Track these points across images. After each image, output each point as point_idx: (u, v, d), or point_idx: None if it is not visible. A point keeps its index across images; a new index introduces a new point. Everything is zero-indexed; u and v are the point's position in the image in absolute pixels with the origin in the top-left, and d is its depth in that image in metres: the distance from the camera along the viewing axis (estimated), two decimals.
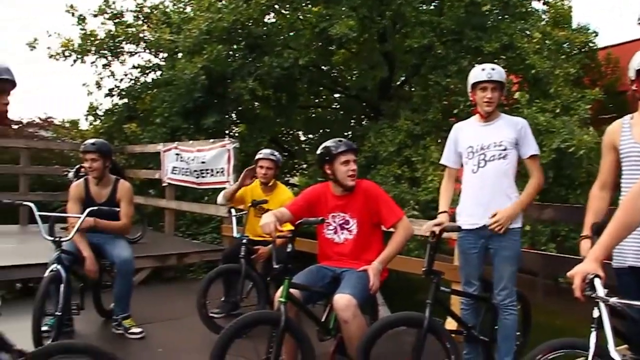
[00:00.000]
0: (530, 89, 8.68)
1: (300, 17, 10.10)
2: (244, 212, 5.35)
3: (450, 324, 4.32)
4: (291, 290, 3.35)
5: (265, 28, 10.03)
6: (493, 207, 3.67)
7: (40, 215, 4.42)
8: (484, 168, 3.72)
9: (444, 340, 3.36)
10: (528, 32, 8.97)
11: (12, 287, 7.26)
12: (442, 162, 4.12)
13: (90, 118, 11.84)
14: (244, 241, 4.97)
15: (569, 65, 9.04)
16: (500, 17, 9.31)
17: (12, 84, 2.43)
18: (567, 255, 4.75)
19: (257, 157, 5.31)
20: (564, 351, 2.64)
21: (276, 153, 5.35)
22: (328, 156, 3.64)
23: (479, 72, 3.68)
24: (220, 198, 5.43)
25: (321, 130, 12.36)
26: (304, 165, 12.15)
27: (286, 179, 12.26)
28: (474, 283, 3.83)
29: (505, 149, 3.67)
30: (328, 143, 3.70)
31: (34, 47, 11.18)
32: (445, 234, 3.69)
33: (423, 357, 3.29)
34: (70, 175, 7.49)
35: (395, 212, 3.65)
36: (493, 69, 3.66)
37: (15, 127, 13.13)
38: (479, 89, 3.69)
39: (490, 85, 3.65)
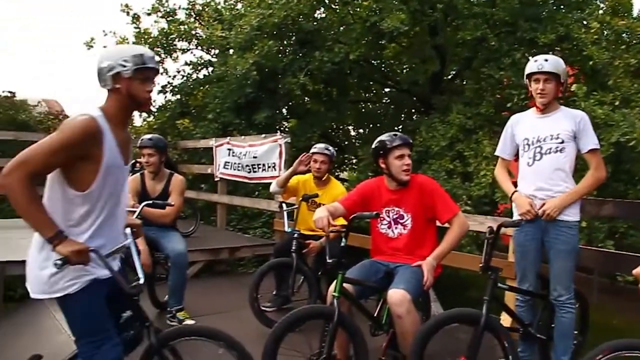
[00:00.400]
0: (587, 81, 8.40)
1: (351, 11, 10.05)
2: (295, 207, 5.37)
3: (504, 321, 4.25)
4: (344, 284, 3.35)
5: (315, 23, 10.03)
6: (549, 201, 3.59)
7: None
8: (540, 161, 3.64)
9: (502, 338, 3.30)
10: (585, 22, 8.67)
11: None
12: (496, 153, 4.06)
13: (144, 114, 12.11)
14: (296, 235, 4.98)
15: (629, 55, 8.65)
16: (555, 7, 9.05)
17: (155, 72, 2.53)
18: (627, 253, 4.60)
19: (311, 151, 5.32)
20: (625, 352, 2.56)
21: (330, 148, 5.35)
22: (382, 150, 3.62)
23: (532, 64, 3.64)
24: (273, 185, 5.40)
25: (371, 125, 12.30)
26: (354, 160, 12.11)
27: (336, 173, 12.26)
28: (530, 279, 3.75)
29: (562, 142, 3.58)
30: (383, 137, 3.67)
31: (92, 47, 11.50)
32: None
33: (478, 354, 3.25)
34: None
35: (451, 208, 3.60)
36: (546, 60, 3.59)
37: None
38: (532, 81, 3.64)
39: (543, 76, 3.58)
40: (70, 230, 2.39)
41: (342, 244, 3.39)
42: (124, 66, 2.42)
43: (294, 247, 4.90)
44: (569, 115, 3.65)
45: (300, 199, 5.21)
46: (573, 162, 3.65)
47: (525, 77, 3.71)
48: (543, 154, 3.63)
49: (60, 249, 2.26)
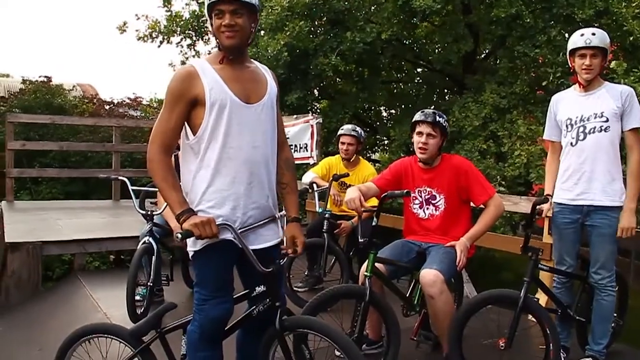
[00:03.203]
0: (627, 57, 8.15)
1: None
2: (325, 187, 5.33)
3: (541, 302, 4.18)
4: (376, 264, 3.32)
5: (346, 2, 9.89)
6: (592, 183, 3.49)
7: (132, 190, 4.60)
8: (584, 141, 3.51)
9: (543, 320, 3.24)
10: None
11: (106, 258, 7.64)
12: (544, 137, 3.93)
13: None
14: (327, 216, 4.95)
15: None
16: None
17: (228, 3, 2.49)
18: None
19: (339, 132, 5.29)
20: None
21: (358, 129, 5.29)
22: (412, 126, 3.60)
23: (578, 38, 3.47)
24: (307, 177, 5.42)
25: (403, 106, 12.15)
26: (386, 141, 12.02)
27: (368, 154, 12.19)
28: (568, 261, 3.68)
29: (607, 121, 3.45)
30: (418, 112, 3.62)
31: (124, 31, 11.58)
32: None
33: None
34: None
35: (487, 190, 3.52)
36: (593, 34, 3.43)
37: (107, 107, 13.73)
38: (577, 56, 3.49)
39: (590, 51, 3.43)
40: (193, 186, 2.50)
41: (373, 224, 3.37)
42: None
43: (325, 228, 4.87)
44: (614, 91, 3.50)
45: (331, 178, 5.17)
46: (618, 141, 3.51)
47: (568, 52, 3.56)
48: (587, 134, 3.50)
49: (184, 225, 2.36)
